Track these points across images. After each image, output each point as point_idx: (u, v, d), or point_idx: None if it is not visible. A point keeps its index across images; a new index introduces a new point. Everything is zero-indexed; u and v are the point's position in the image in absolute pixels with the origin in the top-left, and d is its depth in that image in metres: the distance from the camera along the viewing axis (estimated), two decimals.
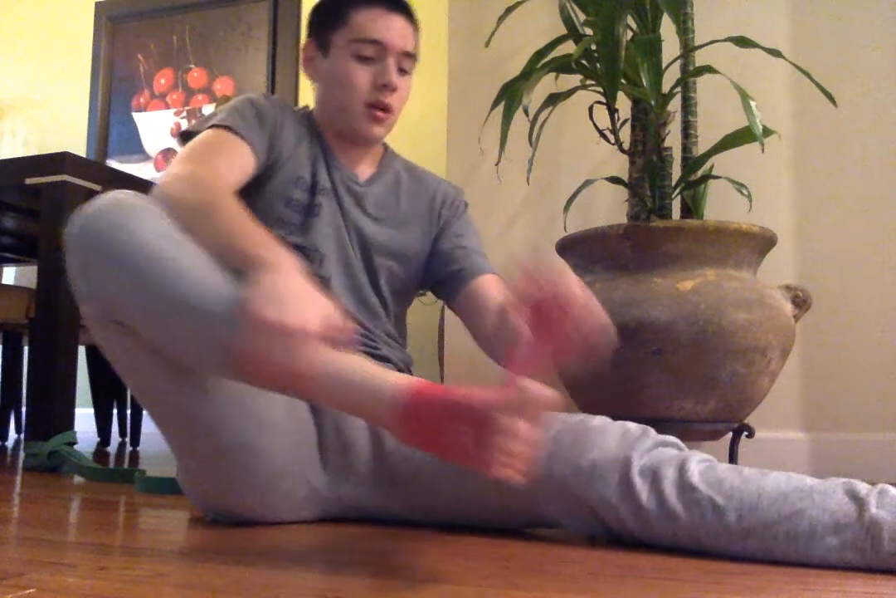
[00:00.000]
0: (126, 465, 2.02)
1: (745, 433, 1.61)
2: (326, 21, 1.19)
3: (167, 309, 0.86)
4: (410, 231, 1.26)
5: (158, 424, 1.03)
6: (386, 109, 1.17)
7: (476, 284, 1.22)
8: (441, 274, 1.27)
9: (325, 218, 1.18)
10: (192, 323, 0.85)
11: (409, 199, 1.27)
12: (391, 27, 1.16)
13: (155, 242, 0.87)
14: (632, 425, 0.98)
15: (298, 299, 0.80)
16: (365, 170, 1.25)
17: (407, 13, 1.19)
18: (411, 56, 1.19)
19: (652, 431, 0.97)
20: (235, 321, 0.81)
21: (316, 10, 1.23)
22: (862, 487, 0.85)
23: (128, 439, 2.76)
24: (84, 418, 2.79)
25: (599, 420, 0.99)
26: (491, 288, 1.22)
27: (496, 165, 1.77)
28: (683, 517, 0.88)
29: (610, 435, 0.96)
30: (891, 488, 0.84)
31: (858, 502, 0.83)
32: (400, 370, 1.21)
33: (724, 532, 0.86)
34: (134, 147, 3.46)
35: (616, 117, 1.68)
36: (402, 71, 1.18)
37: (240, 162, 1.10)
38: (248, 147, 1.11)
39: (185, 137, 1.14)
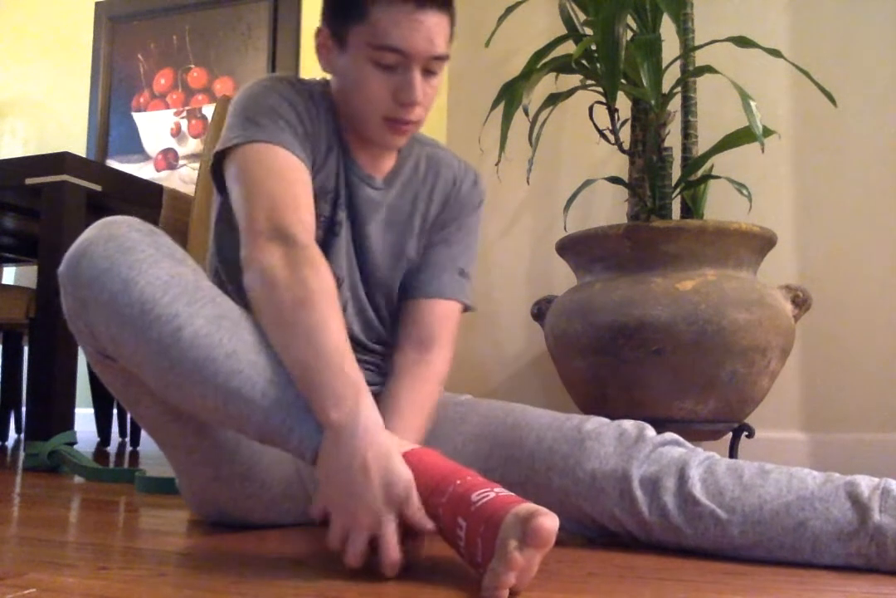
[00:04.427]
0: (126, 465, 2.02)
1: (745, 433, 1.61)
2: (343, 11, 0.98)
3: (199, 389, 0.81)
4: (416, 240, 1.13)
5: (158, 445, 1.01)
6: (408, 123, 1.00)
7: (424, 305, 1.09)
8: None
9: (343, 237, 1.05)
10: (241, 418, 0.82)
11: (425, 201, 1.13)
12: (418, 30, 0.94)
13: (163, 300, 0.81)
14: (628, 426, 0.97)
15: (374, 488, 0.76)
16: (383, 164, 1.09)
17: (440, 4, 0.96)
18: (442, 58, 0.98)
19: (649, 430, 0.96)
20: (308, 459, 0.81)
21: None
22: (865, 486, 0.84)
23: (128, 439, 2.76)
24: (84, 418, 2.78)
25: (594, 423, 0.98)
26: (432, 315, 1.09)
27: (496, 165, 1.77)
28: (686, 531, 0.88)
29: (606, 440, 0.94)
30: (893, 485, 0.83)
31: (861, 508, 0.82)
32: None
33: (729, 545, 0.87)
34: (134, 147, 3.46)
35: (616, 117, 1.68)
36: (430, 73, 0.98)
37: (308, 190, 0.97)
38: (303, 166, 0.97)
39: (218, 157, 0.99)
